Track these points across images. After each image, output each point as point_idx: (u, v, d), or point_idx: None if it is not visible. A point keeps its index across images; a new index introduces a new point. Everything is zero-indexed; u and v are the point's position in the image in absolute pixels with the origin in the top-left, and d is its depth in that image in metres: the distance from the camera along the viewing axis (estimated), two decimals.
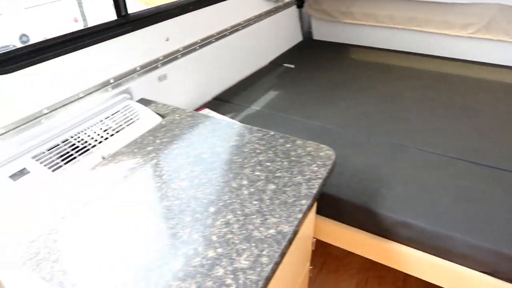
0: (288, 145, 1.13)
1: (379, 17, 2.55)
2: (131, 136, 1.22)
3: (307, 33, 2.98)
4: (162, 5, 1.60)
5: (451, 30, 2.38)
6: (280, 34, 2.67)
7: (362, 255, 1.39)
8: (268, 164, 1.04)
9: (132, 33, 1.43)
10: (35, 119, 1.12)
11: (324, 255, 1.84)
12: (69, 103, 1.22)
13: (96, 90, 1.32)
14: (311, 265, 1.30)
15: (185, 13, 1.70)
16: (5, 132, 1.05)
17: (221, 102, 1.96)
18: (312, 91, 2.08)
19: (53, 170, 1.04)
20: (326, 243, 1.46)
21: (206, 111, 1.83)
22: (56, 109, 1.18)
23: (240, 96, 2.03)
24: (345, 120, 1.78)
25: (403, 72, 2.31)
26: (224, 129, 1.23)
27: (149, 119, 1.32)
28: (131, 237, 0.82)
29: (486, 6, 2.29)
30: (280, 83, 2.18)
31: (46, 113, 1.15)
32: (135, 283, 0.71)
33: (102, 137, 1.20)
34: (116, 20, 1.39)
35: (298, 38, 2.96)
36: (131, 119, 1.31)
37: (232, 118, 1.76)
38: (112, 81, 1.37)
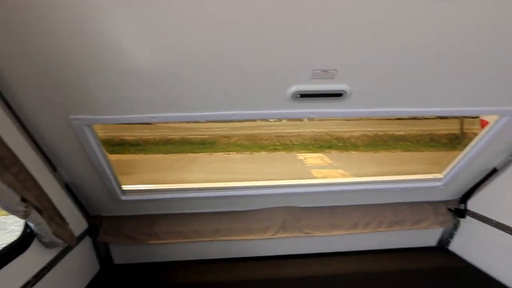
0: None
1: (184, 233, 2.44)
2: None
3: (105, 260, 2.54)
4: None
5: (254, 235, 2.49)
6: (73, 270, 2.13)
7: None
8: None
9: None
10: None
11: None
12: None
13: None
14: None
15: None
16: None
17: None
18: None
19: None
20: None
21: None
22: None
23: None
24: None
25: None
26: None
27: None
28: None
29: (277, 210, 2.54)
30: None
31: None
32: None
33: None
34: None
35: (95, 268, 2.47)
36: None
37: None
38: None
